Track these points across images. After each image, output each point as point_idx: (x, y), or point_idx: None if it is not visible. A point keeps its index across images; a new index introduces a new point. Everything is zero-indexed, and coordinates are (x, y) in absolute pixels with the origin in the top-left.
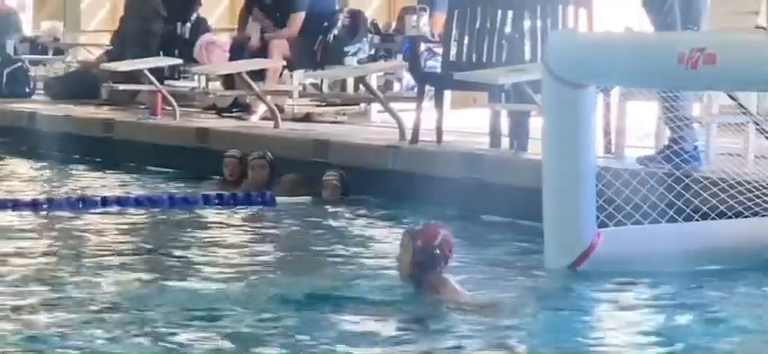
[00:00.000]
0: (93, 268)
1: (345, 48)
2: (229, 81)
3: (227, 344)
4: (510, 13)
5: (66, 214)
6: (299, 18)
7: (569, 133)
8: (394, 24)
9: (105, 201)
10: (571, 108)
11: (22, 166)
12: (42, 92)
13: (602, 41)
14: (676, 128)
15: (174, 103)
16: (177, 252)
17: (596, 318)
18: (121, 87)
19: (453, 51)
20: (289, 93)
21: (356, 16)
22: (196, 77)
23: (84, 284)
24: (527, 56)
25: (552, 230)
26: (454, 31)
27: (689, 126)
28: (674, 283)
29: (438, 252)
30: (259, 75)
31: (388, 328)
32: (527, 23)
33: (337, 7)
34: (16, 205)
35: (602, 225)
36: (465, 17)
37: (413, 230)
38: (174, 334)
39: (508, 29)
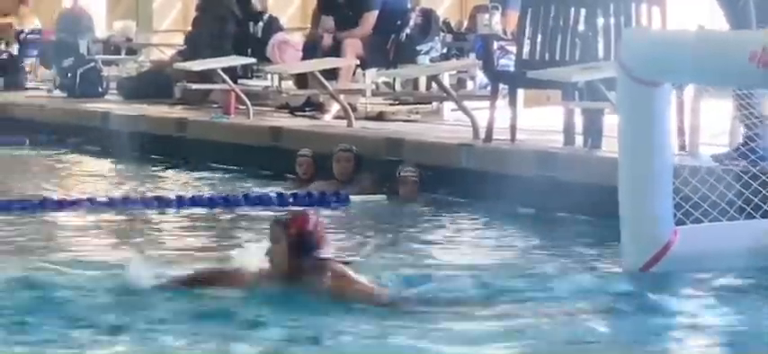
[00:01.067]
0: (166, 266)
1: (418, 47)
2: (302, 80)
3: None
4: (583, 11)
5: (142, 213)
6: (371, 17)
7: (645, 131)
8: (466, 23)
9: (180, 200)
10: (646, 106)
11: (95, 166)
12: (115, 92)
13: (675, 39)
14: (751, 125)
15: (248, 102)
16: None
17: (668, 319)
18: (194, 86)
19: (526, 49)
20: (361, 92)
21: (428, 15)
22: (269, 76)
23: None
24: (600, 53)
25: (628, 229)
26: (527, 29)
27: (764, 123)
28: (751, 281)
29: (314, 235)
30: (332, 73)
31: (469, 325)
32: (600, 21)
33: (410, 6)
34: (92, 203)
35: (679, 223)
36: (538, 15)
37: (281, 219)
38: (244, 327)
39: (581, 27)
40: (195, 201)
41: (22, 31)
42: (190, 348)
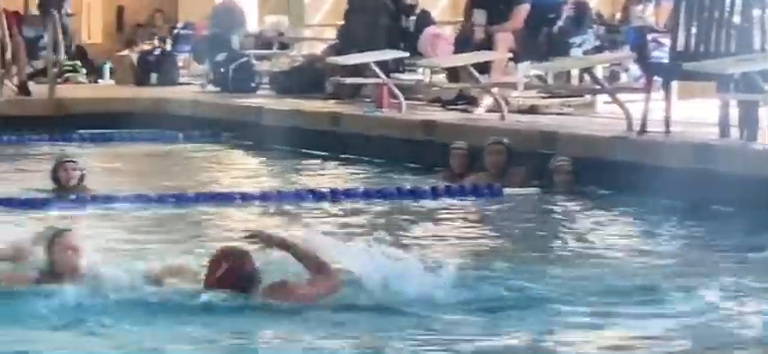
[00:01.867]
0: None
1: (570, 40)
2: (454, 73)
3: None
4: (739, 2)
5: (296, 206)
6: (523, 10)
7: None
8: (619, 15)
9: (334, 194)
10: None
11: (249, 160)
12: (267, 86)
13: None
14: None
15: (401, 96)
16: (405, 243)
17: None
18: (347, 81)
19: (681, 41)
20: (514, 85)
21: (581, 7)
22: (421, 70)
23: None
24: (756, 45)
25: None
26: (682, 21)
27: None
28: None
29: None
30: (484, 67)
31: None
32: (757, 12)
33: None
34: (244, 197)
35: None
36: (693, 7)
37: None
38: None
39: (737, 18)
40: (349, 194)
41: (175, 27)
42: None
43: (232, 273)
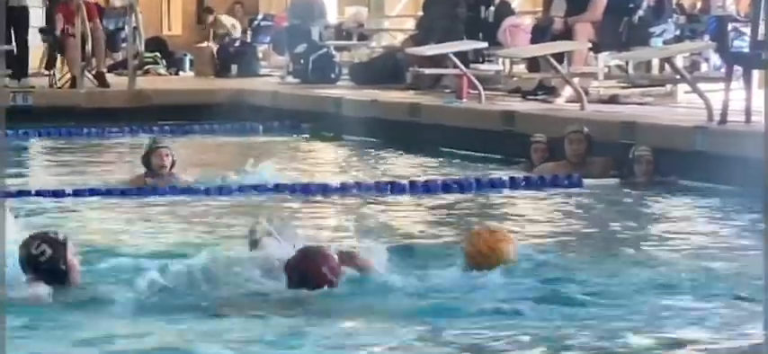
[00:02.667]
0: (403, 252)
1: (650, 29)
2: (534, 64)
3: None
4: None
5: (375, 198)
6: (602, 0)
7: None
8: (699, 4)
9: (413, 186)
10: None
11: (328, 151)
12: (347, 77)
13: None
14: None
15: (480, 87)
16: None
17: None
18: (426, 71)
19: (761, 30)
20: (594, 75)
21: None
22: (500, 60)
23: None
24: None
25: None
26: (762, 10)
27: None
28: None
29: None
30: (562, 57)
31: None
32: None
33: None
34: (325, 189)
35: None
36: None
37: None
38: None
39: None
40: (429, 186)
41: (255, 18)
42: None
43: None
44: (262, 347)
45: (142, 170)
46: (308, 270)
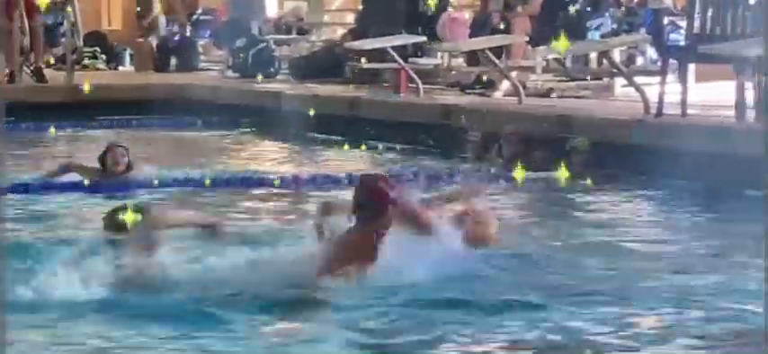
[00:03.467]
0: None
1: (588, 23)
2: (472, 57)
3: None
4: None
5: (313, 192)
6: None
7: None
8: None
9: (351, 179)
10: None
11: (267, 145)
12: (287, 72)
13: None
14: None
15: (418, 80)
16: None
17: None
18: (365, 65)
19: (697, 24)
20: (532, 69)
21: None
22: (439, 54)
23: None
24: None
25: None
26: (698, 4)
27: None
28: None
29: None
30: (500, 51)
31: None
32: None
33: None
34: (262, 183)
35: None
36: None
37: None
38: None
39: (752, 0)
40: None
41: (195, 12)
42: None
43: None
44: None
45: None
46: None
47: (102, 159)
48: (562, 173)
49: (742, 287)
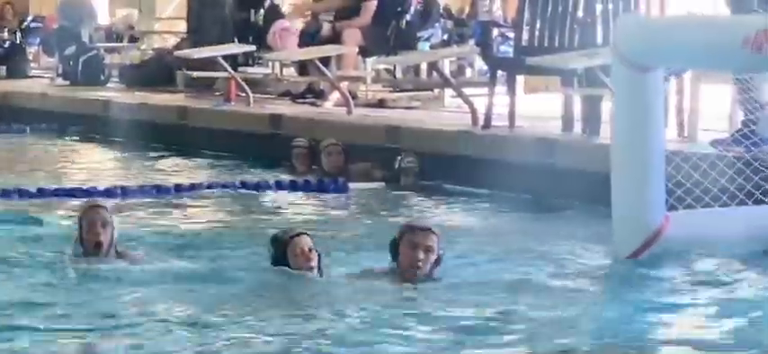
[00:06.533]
0: (165, 253)
1: (418, 34)
2: (304, 67)
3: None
4: None
5: (140, 201)
6: (371, 6)
7: (637, 116)
8: (467, 9)
9: (179, 188)
10: (639, 91)
11: (96, 154)
12: (117, 80)
13: (669, 24)
14: (750, 111)
15: (248, 90)
16: (245, 238)
17: (658, 306)
18: (195, 74)
19: (525, 36)
20: (362, 79)
21: (429, 1)
22: (270, 64)
23: (155, 269)
24: (599, 40)
25: (620, 215)
26: (526, 16)
27: (763, 109)
28: (743, 268)
29: None
30: (331, 61)
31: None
32: (599, 7)
33: None
34: (89, 193)
35: (672, 209)
36: (537, 1)
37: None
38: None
39: (580, 13)
40: (194, 189)
41: (25, 19)
42: None
43: None
44: None
45: None
46: None
47: None
48: (387, 184)
49: (556, 290)
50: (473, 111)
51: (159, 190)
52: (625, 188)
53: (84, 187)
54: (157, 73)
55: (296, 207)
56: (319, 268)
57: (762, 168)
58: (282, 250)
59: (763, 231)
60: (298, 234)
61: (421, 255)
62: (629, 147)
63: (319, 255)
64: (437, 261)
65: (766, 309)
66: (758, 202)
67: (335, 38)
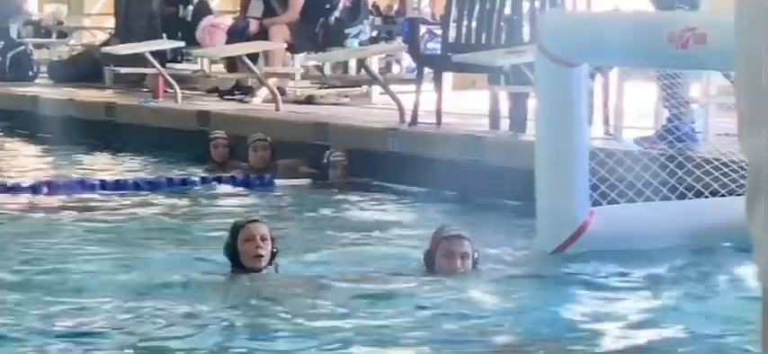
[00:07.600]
0: (91, 249)
1: (347, 31)
2: (232, 64)
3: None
4: None
5: (65, 197)
6: (299, 2)
7: (561, 112)
8: (396, 6)
9: (104, 184)
10: (563, 86)
11: (23, 150)
12: (46, 75)
13: (594, 20)
14: (674, 108)
15: (176, 86)
16: (172, 235)
17: (583, 301)
18: (123, 70)
19: (453, 33)
20: (291, 76)
21: None
22: (198, 60)
23: (81, 266)
24: (526, 37)
25: (544, 210)
26: (454, 13)
27: (687, 106)
28: (666, 263)
29: None
30: (263, 57)
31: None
32: (526, 5)
33: None
34: (15, 189)
35: (596, 204)
36: None
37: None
38: (164, 318)
39: (507, 10)
40: (120, 185)
41: None
42: None
43: None
44: None
45: None
46: None
47: None
48: (314, 180)
49: (482, 288)
50: (400, 108)
51: (84, 185)
52: (550, 183)
53: (9, 184)
54: (86, 69)
55: (221, 203)
56: (272, 262)
57: (685, 163)
58: (235, 234)
59: (686, 225)
60: (253, 221)
61: (458, 263)
62: (553, 142)
63: (276, 250)
64: (475, 263)
65: (691, 299)
66: (682, 197)
67: (264, 34)
